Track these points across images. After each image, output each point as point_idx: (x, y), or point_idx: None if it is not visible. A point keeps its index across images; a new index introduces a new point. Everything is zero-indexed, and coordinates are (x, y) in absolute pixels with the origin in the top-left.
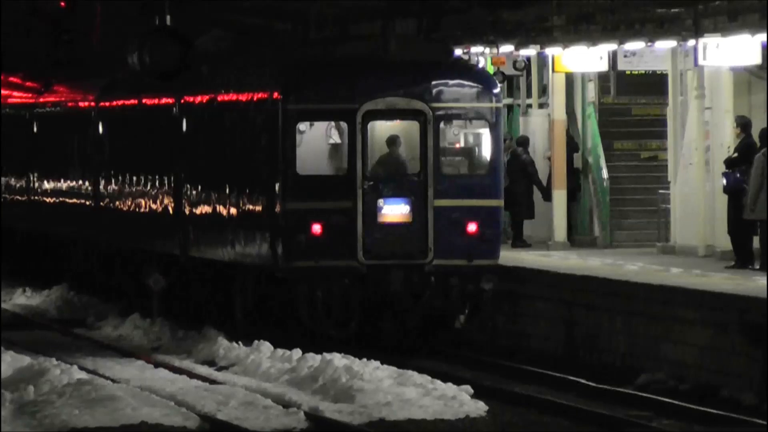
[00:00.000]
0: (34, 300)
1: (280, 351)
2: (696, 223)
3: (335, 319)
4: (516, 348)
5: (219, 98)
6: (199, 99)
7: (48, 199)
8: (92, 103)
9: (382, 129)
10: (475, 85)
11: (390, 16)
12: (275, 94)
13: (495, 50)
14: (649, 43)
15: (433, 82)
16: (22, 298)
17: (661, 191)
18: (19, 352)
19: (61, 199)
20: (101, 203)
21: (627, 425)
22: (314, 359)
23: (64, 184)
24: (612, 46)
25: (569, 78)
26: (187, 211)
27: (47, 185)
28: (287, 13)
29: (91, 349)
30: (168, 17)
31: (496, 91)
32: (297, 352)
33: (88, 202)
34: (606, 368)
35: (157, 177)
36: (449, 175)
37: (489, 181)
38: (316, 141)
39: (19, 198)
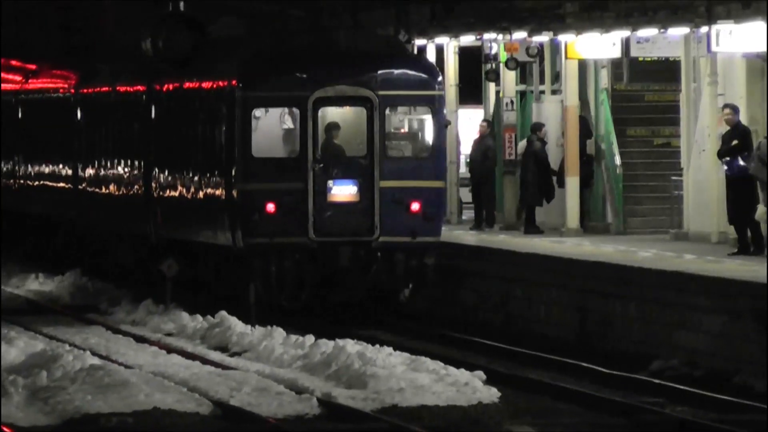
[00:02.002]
0: (47, 286)
1: (293, 337)
2: (709, 210)
3: (288, 291)
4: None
5: (184, 86)
6: (166, 87)
7: (32, 183)
8: (71, 90)
9: (333, 115)
10: (419, 74)
11: (404, 2)
12: (233, 82)
13: (508, 37)
14: (662, 30)
15: (380, 71)
16: (35, 284)
17: (674, 178)
18: (32, 338)
19: (43, 182)
20: (80, 186)
21: (640, 412)
22: (327, 345)
23: (46, 168)
24: (625, 33)
25: (582, 65)
26: (156, 194)
27: (31, 169)
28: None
29: (104, 334)
30: (181, 3)
31: (439, 79)
32: (310, 338)
33: (67, 186)
34: (619, 355)
35: (129, 161)
36: (394, 157)
37: (431, 163)
38: (270, 126)
39: (7, 181)
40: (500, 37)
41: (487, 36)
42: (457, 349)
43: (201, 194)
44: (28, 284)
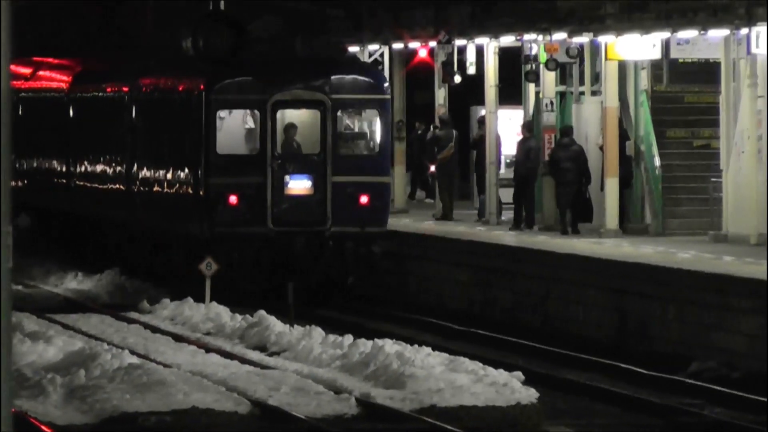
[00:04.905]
0: (86, 284)
1: (331, 337)
2: (748, 212)
3: (249, 276)
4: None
5: (160, 89)
6: (144, 89)
7: (31, 178)
8: (66, 91)
9: (291, 116)
10: (367, 79)
11: (444, 2)
12: (201, 86)
13: (548, 38)
14: (702, 32)
15: (332, 77)
16: (73, 283)
17: (713, 179)
18: (70, 337)
19: (40, 177)
20: (73, 181)
21: (678, 413)
22: (366, 345)
23: (44, 164)
24: (665, 34)
25: (622, 66)
26: (135, 188)
27: (29, 165)
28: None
29: (142, 333)
30: (222, 2)
31: (386, 84)
32: (348, 338)
33: (63, 180)
34: (657, 356)
35: (114, 157)
36: (345, 155)
37: (378, 160)
38: (234, 126)
39: (19, 176)
40: (540, 37)
41: (527, 37)
42: (496, 350)
43: (174, 188)
44: (66, 283)
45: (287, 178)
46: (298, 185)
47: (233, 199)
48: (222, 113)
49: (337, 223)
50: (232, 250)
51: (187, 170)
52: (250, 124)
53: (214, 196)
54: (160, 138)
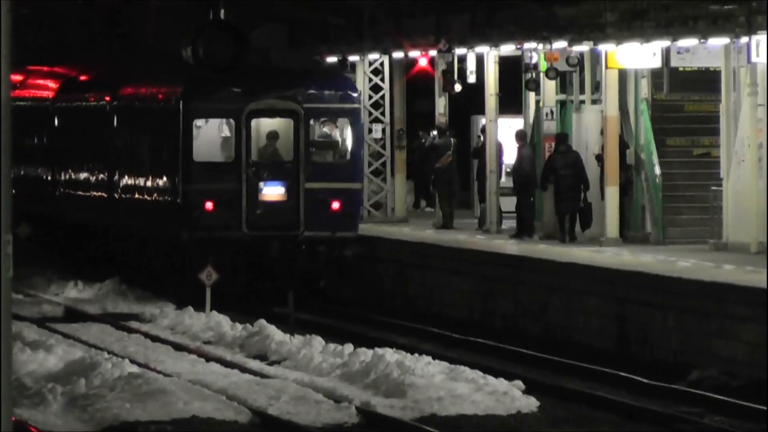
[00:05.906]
0: (86, 293)
1: (332, 346)
2: (748, 220)
3: (225, 279)
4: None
5: (138, 98)
6: (124, 99)
7: (22, 186)
8: (51, 100)
9: (265, 125)
10: (339, 89)
11: (444, 11)
12: (178, 96)
13: (548, 46)
14: (702, 40)
15: (305, 87)
16: (73, 292)
17: (713, 188)
18: (71, 346)
19: (28, 185)
20: (60, 189)
21: (678, 421)
22: (366, 354)
23: (30, 172)
24: (665, 43)
25: (622, 74)
26: (117, 195)
27: (20, 173)
28: (342, 8)
29: (142, 342)
30: (222, 11)
31: (356, 94)
32: (349, 347)
33: (49, 188)
34: (658, 364)
35: (97, 164)
36: (317, 162)
37: (349, 167)
38: (210, 134)
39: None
40: (540, 46)
41: (527, 45)
42: (496, 359)
43: (154, 194)
44: (67, 292)
45: (261, 184)
46: (272, 191)
47: (209, 205)
48: (199, 122)
49: (309, 228)
50: (209, 254)
51: (165, 177)
52: (226, 132)
53: (191, 202)
54: (141, 146)
